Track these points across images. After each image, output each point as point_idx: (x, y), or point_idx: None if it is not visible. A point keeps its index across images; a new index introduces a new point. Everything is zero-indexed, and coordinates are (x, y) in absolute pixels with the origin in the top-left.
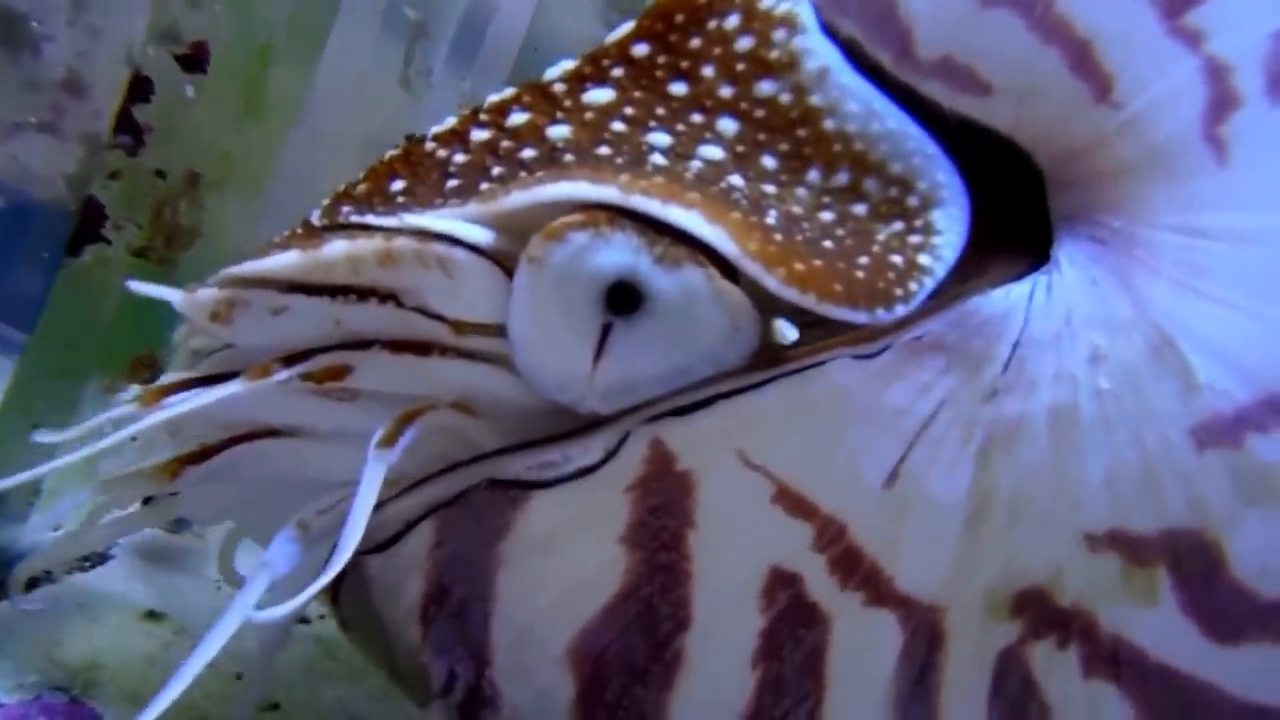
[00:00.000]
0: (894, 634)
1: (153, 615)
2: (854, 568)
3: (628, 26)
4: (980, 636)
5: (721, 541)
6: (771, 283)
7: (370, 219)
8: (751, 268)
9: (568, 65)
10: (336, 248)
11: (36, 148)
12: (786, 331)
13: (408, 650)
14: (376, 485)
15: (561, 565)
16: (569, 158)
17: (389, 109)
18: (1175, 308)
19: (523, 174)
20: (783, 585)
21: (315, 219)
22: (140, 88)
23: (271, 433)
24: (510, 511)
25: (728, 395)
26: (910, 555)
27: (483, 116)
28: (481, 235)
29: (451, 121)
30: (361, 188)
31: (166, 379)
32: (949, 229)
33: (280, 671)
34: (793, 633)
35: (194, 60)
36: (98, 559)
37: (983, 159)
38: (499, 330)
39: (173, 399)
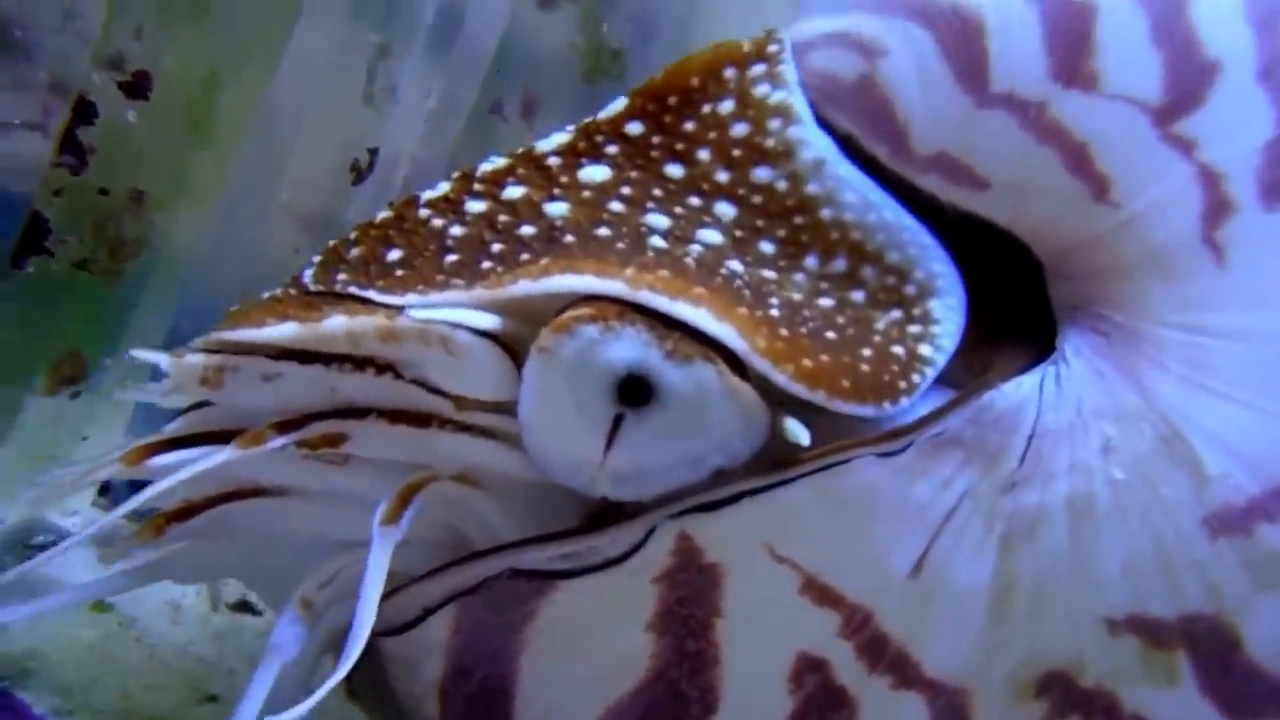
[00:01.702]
0: (921, 716)
1: (100, 605)
2: (881, 652)
3: (620, 103)
4: (1005, 717)
5: (749, 630)
6: (780, 379)
7: (372, 295)
8: (760, 364)
9: (561, 138)
10: (337, 323)
11: (26, 147)
12: (799, 433)
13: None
14: (384, 565)
15: (588, 650)
16: (569, 238)
17: (352, 123)
18: (1182, 402)
19: (524, 254)
20: (810, 670)
21: (308, 280)
22: (84, 111)
23: (259, 492)
24: (534, 599)
25: (755, 492)
26: (937, 640)
27: (477, 187)
28: (487, 321)
29: (444, 188)
30: (356, 252)
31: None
32: (947, 318)
33: (224, 663)
34: (821, 714)
35: (136, 87)
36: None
37: (980, 249)
38: (501, 407)
39: (159, 459)
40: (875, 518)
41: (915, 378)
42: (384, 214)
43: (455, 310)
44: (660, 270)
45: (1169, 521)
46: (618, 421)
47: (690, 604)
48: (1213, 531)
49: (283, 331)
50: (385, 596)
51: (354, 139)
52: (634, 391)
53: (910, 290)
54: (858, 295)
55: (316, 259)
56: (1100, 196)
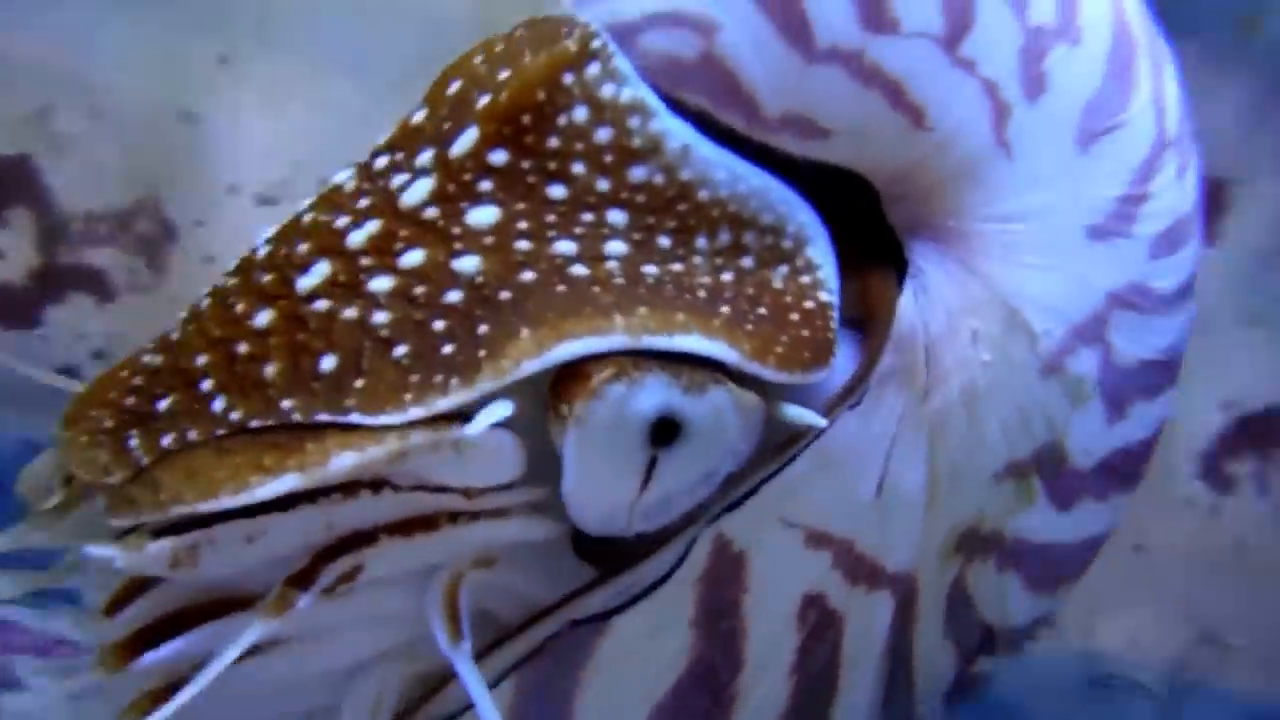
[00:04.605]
0: (888, 608)
1: None
2: (860, 570)
3: (472, 133)
4: (938, 580)
5: (767, 595)
6: (768, 374)
7: (356, 419)
8: (751, 368)
9: (425, 184)
10: (345, 461)
11: None
12: (808, 417)
13: None
14: (480, 682)
15: (638, 667)
16: (505, 294)
17: None
18: (1009, 281)
19: (482, 326)
20: (811, 605)
21: (236, 417)
22: None
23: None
24: (592, 640)
25: (770, 478)
26: (894, 541)
27: (366, 261)
28: (505, 410)
29: (325, 271)
30: (275, 370)
31: (123, 624)
32: (825, 261)
33: None
34: (819, 638)
35: None
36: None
37: (823, 189)
38: (511, 484)
39: (152, 656)
40: (851, 462)
41: (832, 325)
42: (266, 315)
43: (488, 416)
44: (639, 308)
45: (1021, 381)
46: (650, 464)
47: (722, 590)
48: (1044, 376)
49: (282, 486)
50: (434, 690)
51: None
52: (662, 432)
53: (788, 244)
54: (747, 261)
55: (209, 385)
56: (918, 124)
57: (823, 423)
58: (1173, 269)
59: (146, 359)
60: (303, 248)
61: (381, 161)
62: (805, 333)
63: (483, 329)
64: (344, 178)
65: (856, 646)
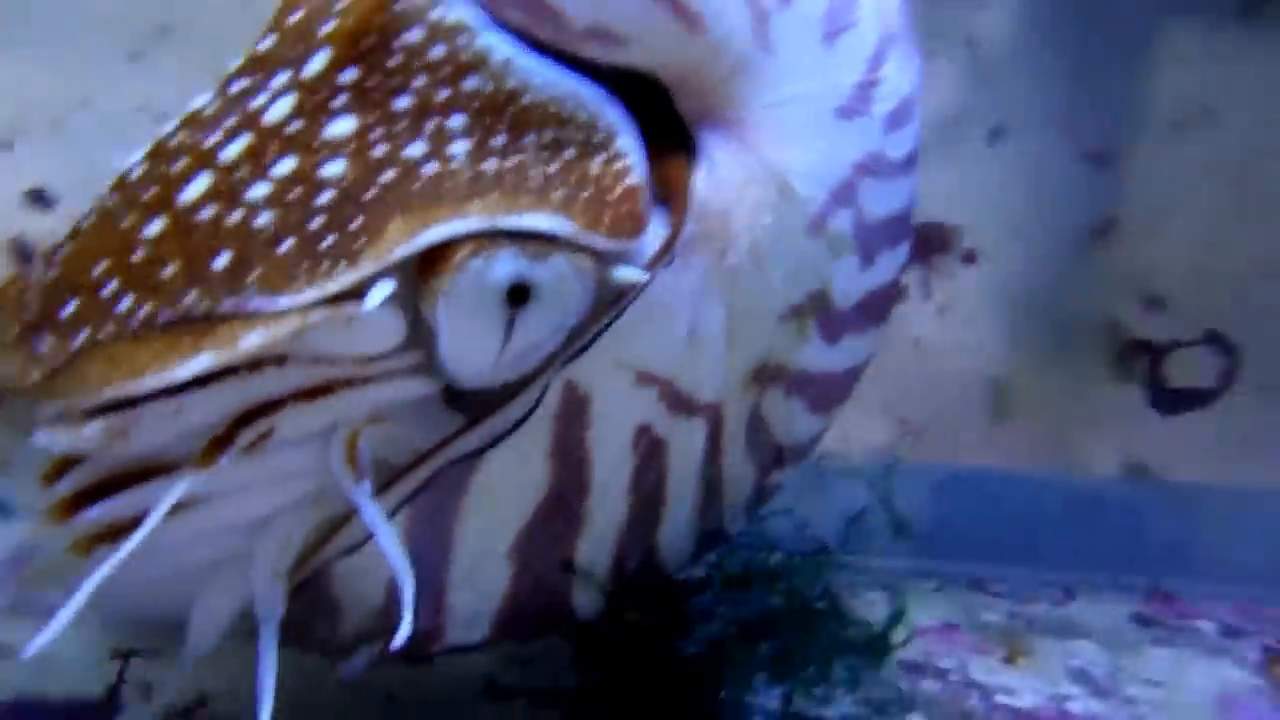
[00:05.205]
0: (702, 434)
1: None
2: (680, 403)
3: (323, 55)
4: (740, 408)
5: (607, 430)
6: (599, 242)
7: (256, 305)
8: (586, 238)
9: (285, 103)
10: (254, 339)
11: None
12: (635, 275)
13: (364, 617)
14: (382, 517)
15: (507, 495)
16: (371, 193)
17: None
18: (779, 157)
19: (355, 221)
20: (642, 434)
21: (142, 314)
22: None
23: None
24: (467, 476)
25: (605, 329)
26: (704, 377)
27: (241, 174)
28: (389, 288)
29: (204, 185)
30: (173, 270)
31: (62, 490)
32: (632, 149)
33: None
34: (650, 463)
35: None
36: None
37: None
38: (392, 352)
39: (92, 512)
40: (667, 312)
41: (643, 201)
42: (156, 225)
43: (377, 293)
44: (490, 194)
45: (793, 238)
46: (509, 324)
47: (571, 427)
48: (811, 234)
49: (199, 364)
50: (340, 524)
51: None
52: (515, 295)
53: (601, 137)
54: (569, 153)
55: (111, 288)
56: (696, 30)
57: (645, 277)
58: (902, 141)
59: (35, 276)
60: (179, 165)
61: (237, 86)
62: (624, 209)
63: (356, 222)
64: (201, 103)
65: (679, 467)
